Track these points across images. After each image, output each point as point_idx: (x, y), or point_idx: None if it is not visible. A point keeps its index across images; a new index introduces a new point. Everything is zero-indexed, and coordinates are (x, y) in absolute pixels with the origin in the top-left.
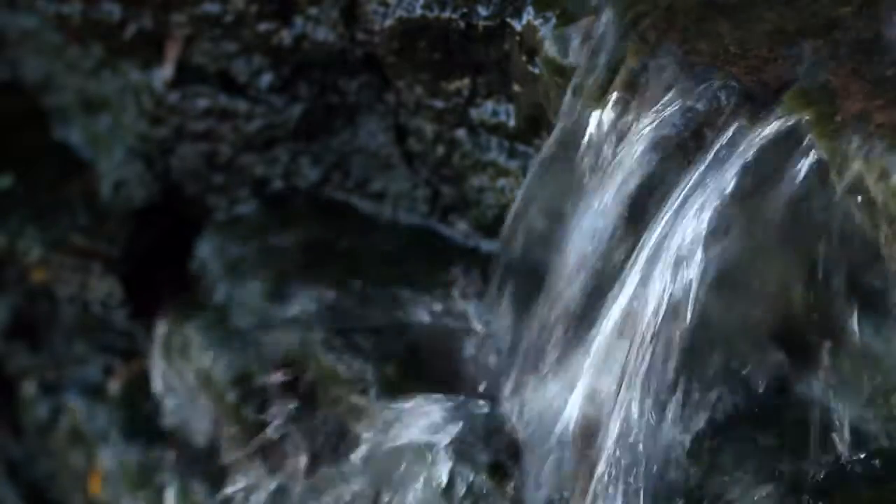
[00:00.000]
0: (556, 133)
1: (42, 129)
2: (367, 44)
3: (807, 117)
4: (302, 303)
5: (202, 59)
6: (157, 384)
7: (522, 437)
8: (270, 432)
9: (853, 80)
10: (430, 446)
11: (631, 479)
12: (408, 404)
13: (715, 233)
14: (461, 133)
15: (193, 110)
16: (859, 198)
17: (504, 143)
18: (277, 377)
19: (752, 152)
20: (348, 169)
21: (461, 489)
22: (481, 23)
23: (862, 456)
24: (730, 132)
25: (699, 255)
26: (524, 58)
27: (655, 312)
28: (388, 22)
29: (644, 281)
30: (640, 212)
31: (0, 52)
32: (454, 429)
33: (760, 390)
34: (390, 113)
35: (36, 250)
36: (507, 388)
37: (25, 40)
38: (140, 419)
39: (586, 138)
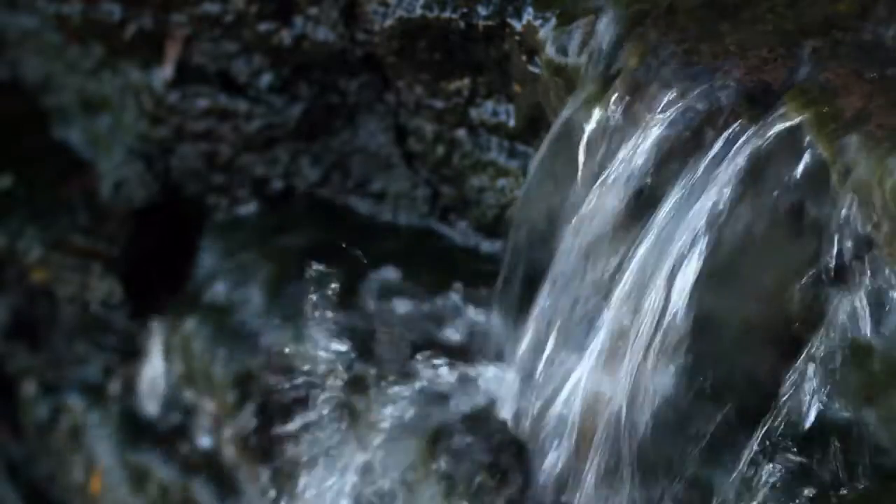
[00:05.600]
0: (554, 131)
1: (42, 129)
2: (367, 44)
3: (807, 117)
4: (301, 302)
5: (202, 59)
6: (157, 384)
7: (525, 432)
8: (270, 432)
9: (853, 80)
10: (431, 445)
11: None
12: (408, 402)
13: (714, 232)
14: (461, 133)
15: (193, 110)
16: (859, 198)
17: (504, 143)
18: (277, 377)
19: (752, 152)
20: (348, 169)
21: (461, 488)
22: (481, 23)
23: (861, 455)
24: (730, 132)
25: (699, 253)
26: (524, 58)
27: (656, 310)
28: (388, 22)
29: (644, 280)
30: (640, 211)
31: (0, 52)
32: (455, 427)
33: (759, 388)
34: (390, 113)
35: (36, 250)
36: (510, 384)
37: (25, 40)
38: (140, 419)
39: (587, 138)
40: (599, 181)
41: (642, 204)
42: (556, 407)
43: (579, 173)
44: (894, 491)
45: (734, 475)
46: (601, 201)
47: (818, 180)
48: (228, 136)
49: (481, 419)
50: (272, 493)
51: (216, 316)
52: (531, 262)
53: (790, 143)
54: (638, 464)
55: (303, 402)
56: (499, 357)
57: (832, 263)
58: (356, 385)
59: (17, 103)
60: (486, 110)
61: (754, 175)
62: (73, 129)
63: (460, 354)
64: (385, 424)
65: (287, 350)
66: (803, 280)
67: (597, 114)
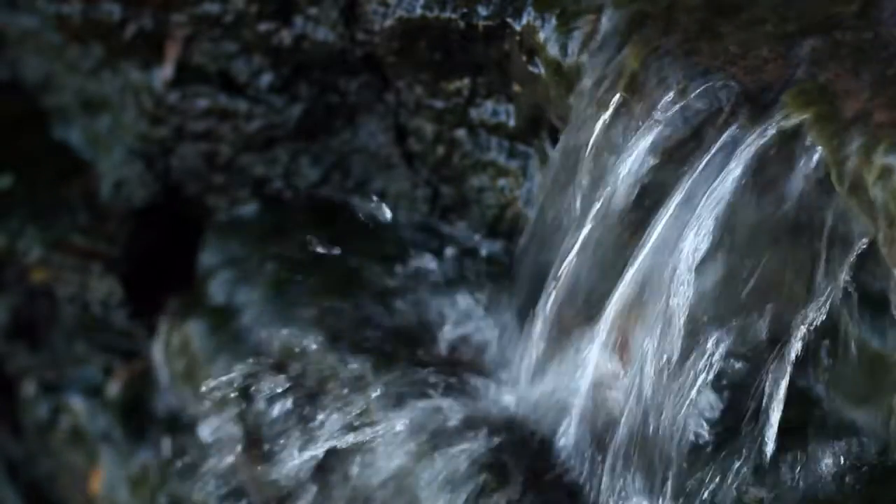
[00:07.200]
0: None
1: (42, 129)
2: (367, 44)
3: (807, 117)
4: (302, 303)
5: (202, 59)
6: (158, 384)
7: (528, 431)
8: (271, 433)
9: (853, 80)
10: (432, 445)
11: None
12: (409, 403)
13: (716, 232)
14: (461, 133)
15: (193, 110)
16: (859, 198)
17: (504, 143)
18: (277, 378)
19: (752, 152)
20: (348, 169)
21: (462, 488)
22: (481, 23)
23: (862, 455)
24: (730, 132)
25: (700, 254)
26: (524, 58)
27: (660, 310)
28: (388, 22)
29: (646, 279)
30: (643, 210)
31: (0, 52)
32: (457, 427)
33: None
34: (390, 113)
35: (36, 250)
36: (510, 384)
37: (25, 40)
38: (140, 419)
39: (588, 139)
40: (602, 182)
41: (645, 203)
42: (560, 406)
43: (582, 174)
44: (885, 484)
45: (736, 474)
46: (604, 202)
47: (818, 180)
48: (228, 136)
49: (483, 419)
50: (272, 494)
51: (216, 316)
52: (536, 263)
53: (790, 143)
54: (645, 462)
55: (303, 403)
56: (502, 356)
57: (833, 263)
58: (357, 385)
59: (17, 103)
60: (486, 110)
61: (754, 175)
62: (73, 129)
63: (463, 353)
64: (386, 424)
65: (288, 350)
66: (804, 280)
67: (597, 114)
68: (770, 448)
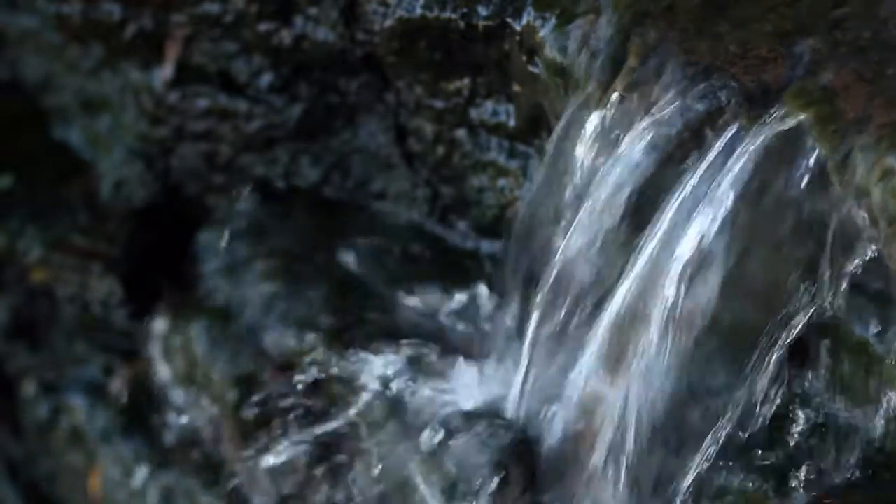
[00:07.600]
0: (556, 133)
1: (42, 129)
2: (367, 44)
3: (807, 117)
4: (302, 303)
5: (202, 59)
6: (158, 384)
7: (527, 430)
8: (271, 432)
9: (853, 80)
10: (433, 444)
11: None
12: (409, 404)
13: (715, 233)
14: (461, 133)
15: (193, 110)
16: (859, 198)
17: (504, 143)
18: (277, 377)
19: (751, 153)
20: (348, 169)
21: (463, 488)
22: (481, 23)
23: (862, 456)
24: (730, 132)
25: (700, 254)
26: (524, 58)
27: (657, 311)
28: (388, 22)
29: (645, 280)
30: (640, 211)
31: (0, 52)
32: (457, 427)
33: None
34: (390, 113)
35: (36, 250)
36: (511, 383)
37: (25, 40)
38: (140, 419)
39: (587, 138)
40: (600, 181)
41: (643, 204)
42: (558, 404)
43: (580, 173)
44: (885, 483)
45: (734, 467)
46: (602, 202)
47: (818, 180)
48: (228, 136)
49: (483, 418)
50: (272, 494)
51: (216, 316)
52: (532, 262)
53: (790, 143)
54: (641, 459)
55: (303, 402)
56: (500, 356)
57: (833, 263)
58: (357, 384)
59: (17, 103)
60: (486, 110)
61: (754, 175)
62: (73, 129)
63: (461, 354)
64: (386, 424)
65: (288, 350)
66: (805, 279)
67: (596, 114)
68: (770, 449)
